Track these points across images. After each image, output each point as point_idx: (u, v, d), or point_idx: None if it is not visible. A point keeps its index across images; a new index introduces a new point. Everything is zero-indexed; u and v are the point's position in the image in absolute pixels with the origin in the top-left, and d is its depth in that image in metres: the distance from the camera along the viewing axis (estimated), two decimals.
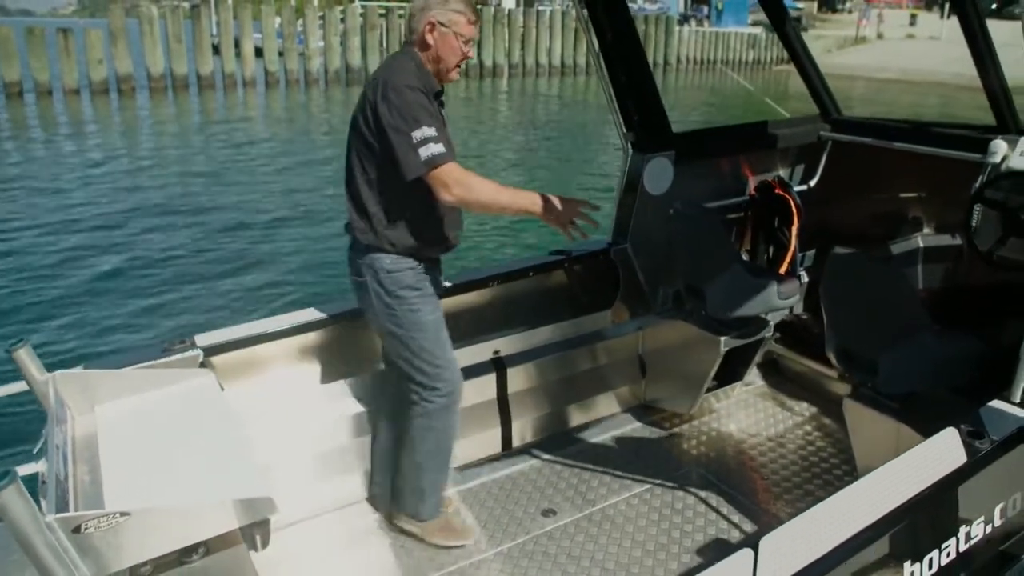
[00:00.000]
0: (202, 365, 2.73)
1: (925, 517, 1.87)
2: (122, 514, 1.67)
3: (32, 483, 1.88)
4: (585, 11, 3.48)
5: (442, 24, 2.51)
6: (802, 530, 1.75)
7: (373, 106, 2.46)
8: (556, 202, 2.48)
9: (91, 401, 2.39)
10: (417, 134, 2.37)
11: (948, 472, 1.89)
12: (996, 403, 2.15)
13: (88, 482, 2.03)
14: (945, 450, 1.96)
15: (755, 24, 47.45)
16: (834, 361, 2.98)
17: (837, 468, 3.39)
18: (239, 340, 2.88)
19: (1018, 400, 2.14)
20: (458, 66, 2.59)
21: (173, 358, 2.68)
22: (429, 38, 2.53)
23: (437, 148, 2.37)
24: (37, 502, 1.59)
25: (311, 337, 3.04)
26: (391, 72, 2.49)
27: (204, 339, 2.82)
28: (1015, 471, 2.06)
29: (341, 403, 3.06)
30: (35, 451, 2.18)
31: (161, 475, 2.10)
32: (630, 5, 3.70)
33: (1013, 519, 2.05)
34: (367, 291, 2.68)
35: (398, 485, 2.95)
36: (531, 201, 2.49)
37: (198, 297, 8.87)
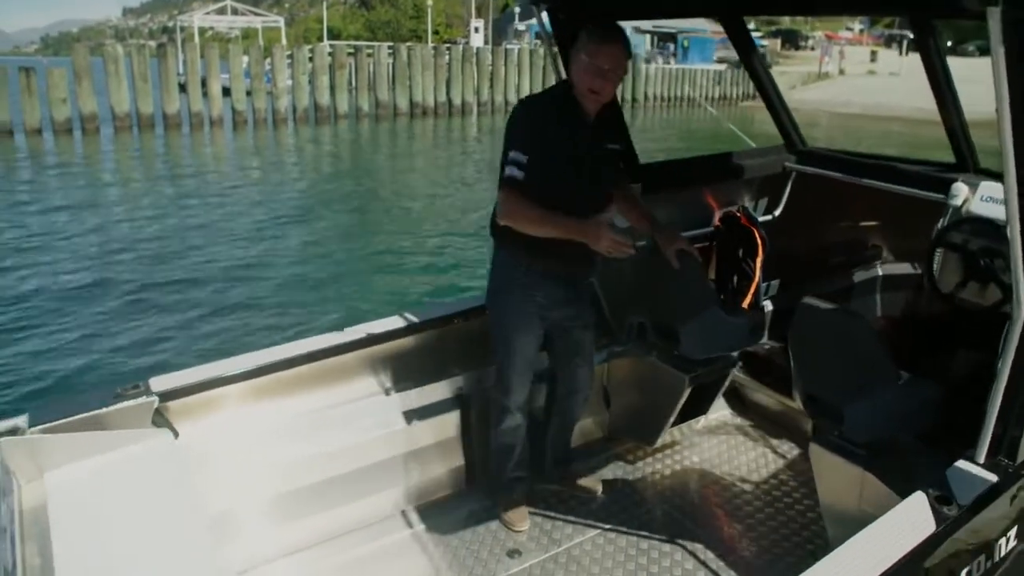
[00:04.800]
0: (157, 412, 2.62)
1: None
2: None
3: None
4: (555, 48, 3.47)
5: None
6: None
7: None
8: (593, 235, 2.66)
9: (40, 467, 2.27)
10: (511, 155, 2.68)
11: (919, 542, 1.90)
12: (962, 464, 2.16)
13: (38, 566, 1.94)
14: (915, 517, 1.97)
15: (720, 61, 48.36)
16: (801, 407, 3.02)
17: (800, 503, 3.39)
18: (196, 384, 2.77)
19: (983, 460, 2.15)
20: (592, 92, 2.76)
21: (126, 405, 2.54)
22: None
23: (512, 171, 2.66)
24: None
25: (271, 378, 2.96)
26: None
27: (159, 383, 2.69)
28: (981, 534, 2.08)
29: (303, 443, 2.98)
30: None
31: (118, 558, 1.99)
32: None
33: None
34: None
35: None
36: (570, 232, 2.70)
37: (154, 341, 8.69)
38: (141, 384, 2.66)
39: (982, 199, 3.28)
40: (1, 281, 10.65)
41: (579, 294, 3.09)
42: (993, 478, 2.10)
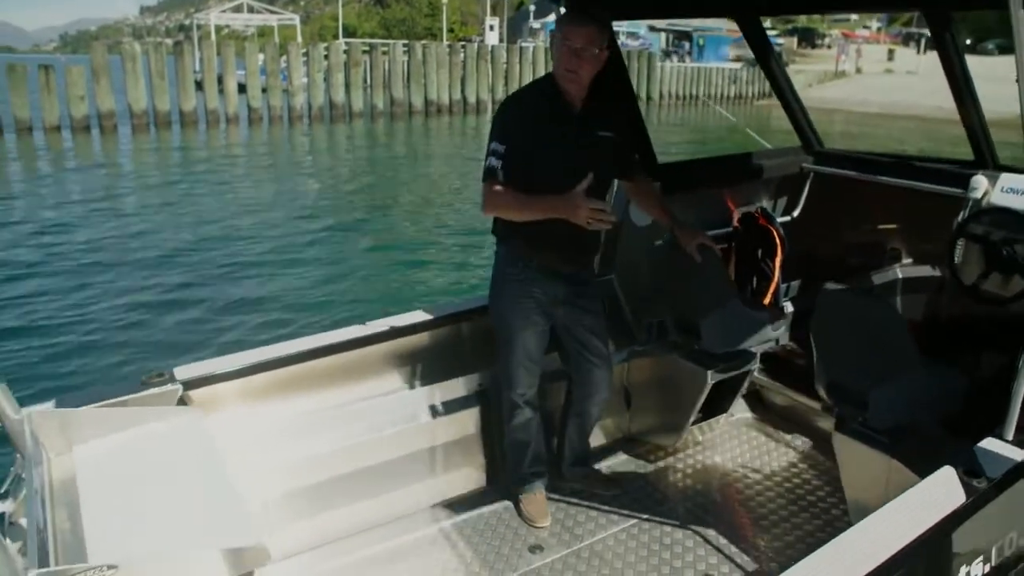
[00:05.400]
0: (181, 399, 2.67)
1: (926, 559, 1.86)
2: (109, 567, 1.64)
3: None
4: None
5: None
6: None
7: None
8: (570, 207, 2.65)
9: (69, 440, 2.32)
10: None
11: (948, 513, 1.89)
12: (989, 441, 2.15)
13: (68, 530, 1.98)
14: (944, 490, 1.96)
15: (736, 60, 48.15)
16: (824, 395, 3.01)
17: (823, 501, 3.38)
18: (220, 374, 2.81)
19: (1011, 438, 2.14)
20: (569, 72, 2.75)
21: (151, 392, 2.60)
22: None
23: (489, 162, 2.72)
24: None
25: (294, 370, 2.99)
26: None
27: (184, 372, 2.73)
28: (1011, 509, 2.06)
29: (324, 436, 3.01)
30: (1, 491, 2.14)
31: (146, 522, 2.05)
32: None
33: (1009, 557, 2.05)
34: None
35: None
36: (548, 209, 2.71)
37: (176, 332, 8.77)
38: (166, 372, 2.70)
39: (1003, 190, 3.26)
40: (26, 277, 10.76)
41: (581, 293, 3.06)
42: (1022, 454, 2.10)
